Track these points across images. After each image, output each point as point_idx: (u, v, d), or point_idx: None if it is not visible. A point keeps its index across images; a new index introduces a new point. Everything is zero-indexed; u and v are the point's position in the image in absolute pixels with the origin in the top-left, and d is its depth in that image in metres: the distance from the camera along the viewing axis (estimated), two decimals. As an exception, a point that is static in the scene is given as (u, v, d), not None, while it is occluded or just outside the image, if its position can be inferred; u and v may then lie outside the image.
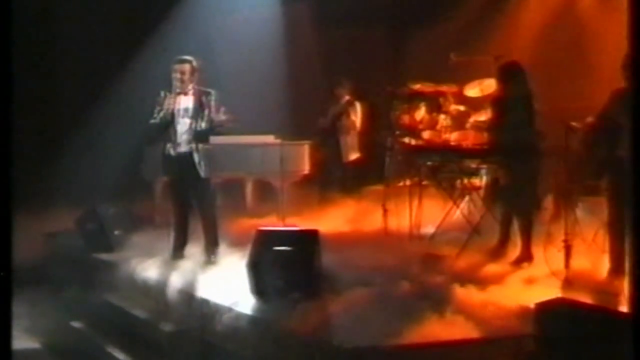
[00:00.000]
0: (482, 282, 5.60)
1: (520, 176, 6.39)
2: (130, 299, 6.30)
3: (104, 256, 7.24)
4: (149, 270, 6.52)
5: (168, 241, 6.81)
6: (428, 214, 7.43)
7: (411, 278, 5.74)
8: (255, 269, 5.40)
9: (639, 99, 2.83)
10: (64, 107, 10.01)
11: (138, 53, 9.65)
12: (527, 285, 5.62)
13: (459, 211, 7.42)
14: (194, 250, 6.81)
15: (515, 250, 6.53)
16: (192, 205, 6.79)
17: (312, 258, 5.35)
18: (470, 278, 5.70)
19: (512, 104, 6.52)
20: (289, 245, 5.32)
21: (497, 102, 6.76)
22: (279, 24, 10.41)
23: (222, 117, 6.58)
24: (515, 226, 6.58)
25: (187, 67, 6.54)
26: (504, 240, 6.67)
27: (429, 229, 7.33)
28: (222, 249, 6.81)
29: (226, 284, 5.79)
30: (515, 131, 6.46)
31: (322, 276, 5.45)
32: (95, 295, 6.65)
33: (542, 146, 6.36)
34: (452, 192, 7.49)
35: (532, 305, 4.37)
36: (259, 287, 5.41)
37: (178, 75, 6.49)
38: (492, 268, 6.17)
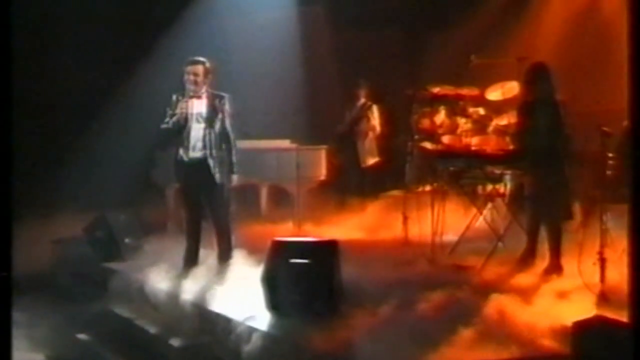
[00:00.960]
0: (510, 296, 5.22)
1: (549, 183, 6.02)
2: (139, 311, 6.01)
3: (113, 265, 6.95)
4: (160, 280, 6.19)
5: (180, 250, 6.50)
6: (449, 222, 7.13)
7: (435, 292, 5.35)
8: (271, 282, 5.06)
9: (639, 99, 2.77)
10: (72, 109, 9.74)
11: (149, 55, 9.40)
12: (559, 300, 5.26)
13: (482, 219, 7.12)
14: (207, 259, 6.47)
15: (543, 260, 6.16)
16: (205, 213, 6.47)
17: (331, 271, 4.98)
18: (497, 292, 5.32)
19: (539, 107, 6.17)
20: (306, 258, 4.96)
21: (524, 105, 6.42)
22: (294, 25, 10.17)
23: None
24: (543, 235, 6.23)
25: (200, 68, 6.25)
26: (531, 250, 6.32)
27: (450, 237, 7.03)
28: (237, 258, 6.43)
29: (240, 296, 5.47)
30: (542, 135, 6.12)
31: (342, 291, 5.06)
32: (103, 306, 6.39)
33: (572, 151, 5.97)
34: (474, 199, 7.21)
35: (566, 322, 4.10)
36: (275, 302, 5.07)
37: (191, 77, 6.20)
38: (520, 280, 5.81)
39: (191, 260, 6.40)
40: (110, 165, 9.31)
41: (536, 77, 6.17)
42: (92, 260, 7.10)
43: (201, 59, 6.28)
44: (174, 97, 6.28)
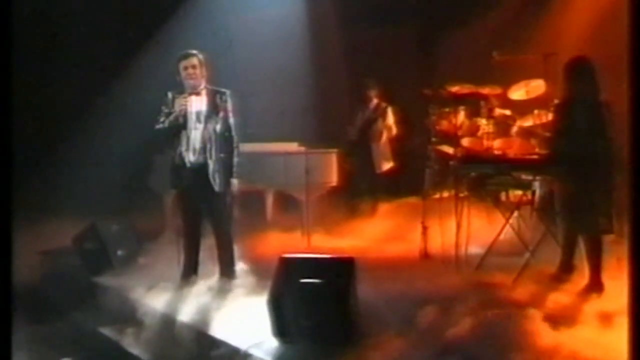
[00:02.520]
0: (547, 318, 4.68)
1: (588, 191, 5.40)
2: (131, 333, 5.44)
3: (104, 279, 6.42)
4: (154, 298, 5.70)
5: (178, 264, 6.03)
6: (472, 232, 6.58)
7: (462, 314, 4.79)
8: (278, 305, 4.49)
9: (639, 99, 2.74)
10: (61, 110, 9.27)
11: (146, 53, 9.00)
12: (602, 323, 4.68)
13: (510, 229, 6.49)
14: (207, 275, 5.99)
15: (581, 277, 5.55)
16: (205, 223, 6.00)
17: (346, 293, 4.39)
18: (532, 313, 4.76)
19: (579, 108, 5.55)
20: (319, 277, 4.41)
21: (562, 104, 5.82)
22: (303, 22, 9.70)
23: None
24: (580, 248, 5.64)
25: (195, 60, 5.78)
26: (567, 266, 5.75)
27: (474, 249, 6.48)
28: (240, 274, 6.03)
29: (243, 320, 4.95)
30: (581, 139, 5.50)
31: (358, 315, 4.48)
32: (90, 325, 5.85)
33: (617, 157, 5.35)
34: (500, 207, 6.68)
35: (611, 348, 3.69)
36: (282, 328, 4.51)
37: (189, 71, 5.73)
38: (556, 299, 5.23)
39: (189, 277, 5.90)
40: (103, 169, 8.86)
41: (576, 74, 5.56)
42: (81, 274, 6.61)
43: (194, 51, 5.82)
44: (170, 95, 5.80)
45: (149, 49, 8.95)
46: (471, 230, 6.50)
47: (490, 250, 6.15)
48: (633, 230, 2.80)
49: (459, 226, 6.35)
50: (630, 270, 2.83)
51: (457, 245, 6.28)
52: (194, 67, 5.73)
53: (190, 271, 5.92)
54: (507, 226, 6.38)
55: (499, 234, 6.23)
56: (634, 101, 2.78)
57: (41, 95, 8.99)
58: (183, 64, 5.75)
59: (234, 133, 5.82)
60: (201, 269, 5.97)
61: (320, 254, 6.50)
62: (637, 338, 2.80)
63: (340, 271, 4.45)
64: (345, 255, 4.74)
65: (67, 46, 9.27)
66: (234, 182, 5.84)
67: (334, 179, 8.00)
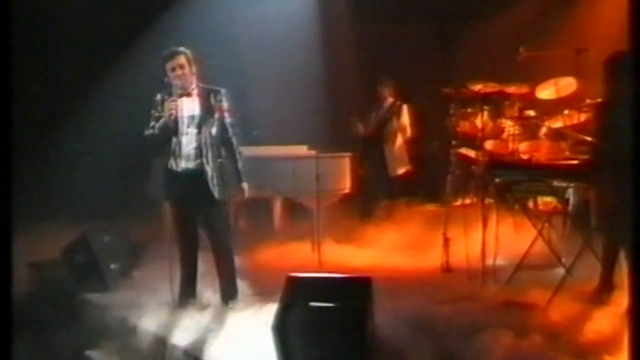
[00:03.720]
0: (589, 344, 4.35)
1: (633, 202, 4.88)
2: (121, 358, 5.03)
3: (95, 296, 5.98)
4: (148, 319, 5.26)
5: (173, 281, 5.59)
6: (492, 242, 6.07)
7: (492, 339, 4.37)
8: (284, 331, 4.02)
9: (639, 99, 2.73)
10: (53, 110, 8.91)
11: (144, 51, 8.50)
12: None
13: (540, 240, 6.04)
14: (206, 293, 5.57)
15: (623, 295, 5.01)
16: (204, 235, 5.56)
17: (362, 318, 3.93)
18: (572, 338, 4.44)
19: (622, 109, 5.03)
20: (331, 300, 3.96)
21: (601, 104, 5.43)
22: (312, 17, 9.41)
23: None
24: (621, 264, 5.17)
25: (182, 58, 5.37)
26: (608, 283, 5.29)
27: (501, 262, 6.06)
28: (243, 292, 5.59)
29: (245, 346, 4.52)
30: (623, 141, 4.95)
31: (375, 343, 4.03)
32: (78, 347, 5.38)
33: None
34: (529, 216, 6.22)
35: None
36: (289, 357, 4.04)
37: (177, 72, 5.33)
38: (598, 322, 4.74)
39: (187, 296, 5.48)
40: (97, 174, 8.51)
41: (619, 71, 5.10)
42: (70, 289, 6.19)
43: (180, 48, 5.42)
44: (159, 97, 5.41)
45: (145, 45, 8.58)
46: (499, 241, 6.07)
47: (521, 264, 5.74)
48: (633, 230, 2.82)
49: (486, 237, 5.93)
50: (630, 270, 2.81)
51: (483, 258, 5.84)
52: (181, 66, 5.35)
53: (188, 290, 5.51)
54: (540, 237, 5.93)
55: (530, 247, 5.80)
56: (634, 101, 2.79)
57: (32, 96, 8.54)
58: (170, 64, 5.36)
59: (231, 134, 5.45)
60: (199, 285, 5.57)
61: (332, 267, 6.45)
62: (637, 338, 2.75)
63: (355, 293, 4.01)
64: (361, 275, 4.29)
65: (60, 46, 9.10)
66: (244, 186, 5.49)
67: (346, 185, 7.66)
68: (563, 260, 5.76)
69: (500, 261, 6.03)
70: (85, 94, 8.76)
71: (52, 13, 9.06)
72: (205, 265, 5.57)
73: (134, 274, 6.37)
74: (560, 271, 5.60)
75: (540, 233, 5.90)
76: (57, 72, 8.98)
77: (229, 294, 5.41)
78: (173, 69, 5.32)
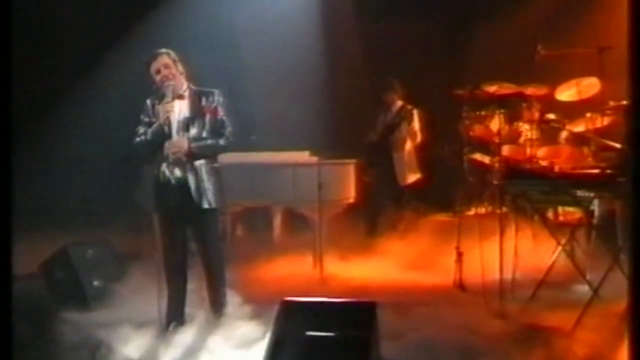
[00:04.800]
0: None
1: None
2: None
3: (76, 316, 5.64)
4: (133, 341, 4.97)
5: (163, 297, 5.26)
6: (511, 257, 5.83)
7: None
8: None
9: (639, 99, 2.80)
10: (36, 112, 8.65)
11: (134, 51, 8.04)
12: None
13: (556, 254, 5.80)
14: (196, 312, 5.24)
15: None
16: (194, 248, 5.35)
17: (365, 349, 3.57)
18: None
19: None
20: (331, 328, 3.65)
21: (627, 107, 5.27)
22: (315, 16, 9.29)
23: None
24: None
25: (166, 59, 5.18)
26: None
27: (520, 278, 5.80)
28: (235, 313, 5.24)
29: None
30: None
31: None
32: None
33: None
34: (550, 228, 6.00)
35: None
36: None
37: (163, 72, 5.14)
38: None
39: (174, 316, 5.20)
40: (81, 182, 8.37)
41: None
42: (48, 307, 5.86)
43: (162, 50, 5.22)
44: (148, 103, 5.23)
45: (135, 48, 8.15)
46: (518, 255, 5.84)
47: (543, 282, 5.46)
48: (633, 230, 2.84)
49: (502, 250, 5.62)
50: (630, 269, 2.85)
51: (500, 274, 5.53)
52: (166, 66, 5.16)
53: (176, 309, 5.22)
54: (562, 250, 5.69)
55: (553, 263, 5.53)
56: (634, 101, 2.77)
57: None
58: (154, 66, 5.17)
59: (222, 141, 5.18)
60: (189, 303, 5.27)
61: (334, 283, 6.28)
62: (637, 338, 2.80)
63: (357, 320, 3.68)
64: (364, 300, 3.97)
65: (41, 54, 8.89)
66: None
67: (351, 194, 7.41)
68: (588, 277, 5.46)
69: (519, 278, 5.74)
70: (71, 99, 8.63)
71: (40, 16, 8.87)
72: (192, 282, 5.29)
73: (121, 291, 5.99)
74: (585, 289, 5.31)
75: (563, 247, 5.62)
76: (43, 78, 8.85)
77: (218, 312, 5.14)
78: (158, 71, 5.12)
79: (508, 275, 5.59)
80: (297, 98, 8.85)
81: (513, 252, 5.74)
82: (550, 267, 5.49)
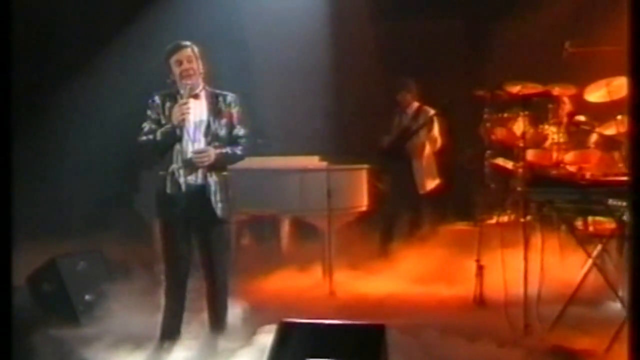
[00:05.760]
0: None
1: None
2: None
3: (64, 332, 5.46)
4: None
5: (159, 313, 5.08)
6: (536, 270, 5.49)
7: None
8: None
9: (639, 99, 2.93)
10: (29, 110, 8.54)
11: (135, 47, 8.38)
12: None
13: (586, 268, 5.51)
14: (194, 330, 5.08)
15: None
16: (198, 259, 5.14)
17: None
18: None
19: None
20: (334, 354, 3.36)
21: None
22: (326, 13, 9.13)
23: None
24: None
25: (189, 52, 4.99)
26: None
27: (546, 294, 5.39)
28: (238, 323, 5.12)
29: None
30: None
31: None
32: None
33: None
34: (578, 238, 5.79)
35: None
36: None
37: (185, 66, 4.93)
38: None
39: (170, 333, 4.99)
40: (74, 186, 8.22)
41: None
42: (35, 323, 5.60)
43: (186, 42, 5.03)
44: (156, 100, 5.01)
45: (138, 43, 8.37)
46: (544, 268, 5.45)
47: (572, 299, 5.18)
48: (633, 229, 2.90)
49: (527, 262, 5.34)
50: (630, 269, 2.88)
51: (525, 289, 5.24)
52: (189, 60, 4.97)
53: (173, 325, 5.02)
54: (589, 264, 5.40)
55: (583, 277, 5.25)
56: (634, 100, 2.86)
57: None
58: (176, 57, 4.97)
59: (239, 150, 5.05)
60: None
61: (345, 297, 6.12)
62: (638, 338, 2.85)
63: (365, 344, 3.40)
64: (373, 322, 3.69)
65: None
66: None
67: (363, 202, 7.30)
68: (620, 293, 5.13)
69: (545, 294, 5.34)
70: (67, 94, 8.55)
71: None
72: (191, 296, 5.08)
73: (113, 305, 5.73)
74: (617, 307, 5.04)
75: (593, 260, 5.33)
76: (42, 79, 8.83)
77: (218, 328, 4.97)
78: (179, 63, 4.93)
79: (533, 290, 5.26)
80: (306, 100, 8.80)
81: (539, 266, 5.39)
82: (580, 283, 5.25)
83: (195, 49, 5.02)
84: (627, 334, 2.93)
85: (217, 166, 4.93)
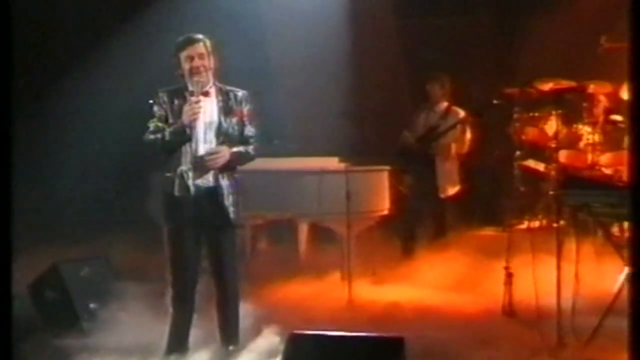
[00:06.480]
0: None
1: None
2: None
3: (69, 342, 5.37)
4: None
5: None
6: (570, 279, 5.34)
7: None
8: None
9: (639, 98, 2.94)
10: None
11: (144, 41, 8.26)
12: None
13: (624, 277, 5.23)
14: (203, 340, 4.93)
15: None
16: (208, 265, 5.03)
17: None
18: None
19: None
20: None
21: None
22: (344, 8, 8.98)
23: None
24: None
25: (201, 47, 4.85)
26: None
27: (580, 304, 5.19)
28: (251, 333, 4.97)
29: None
30: None
31: None
32: None
33: None
34: (614, 245, 5.58)
35: None
36: None
37: (196, 62, 4.80)
38: None
39: (179, 344, 4.87)
40: (81, 187, 8.11)
41: None
42: (37, 332, 5.58)
43: (199, 35, 4.89)
44: (161, 97, 4.89)
45: (144, 39, 8.31)
46: (578, 277, 5.29)
47: (610, 310, 4.92)
48: (633, 229, 2.95)
49: (560, 270, 5.15)
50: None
51: (558, 299, 5.06)
52: (201, 56, 4.84)
53: (180, 336, 4.89)
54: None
55: (621, 287, 4.98)
56: (633, 101, 2.91)
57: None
58: (187, 52, 4.84)
59: (251, 150, 4.95)
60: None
61: (364, 306, 5.94)
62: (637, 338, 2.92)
63: (381, 359, 3.23)
64: (391, 334, 3.55)
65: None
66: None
67: (384, 205, 7.18)
68: None
69: (580, 304, 5.13)
70: (70, 94, 8.53)
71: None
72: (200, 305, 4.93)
73: (119, 314, 5.64)
74: None
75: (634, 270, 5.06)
76: (42, 81, 8.82)
77: (229, 338, 4.85)
78: (190, 59, 4.79)
79: (567, 301, 5.08)
80: (325, 97, 8.67)
81: (573, 274, 5.21)
82: (618, 293, 4.99)
83: (208, 43, 4.89)
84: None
85: (230, 166, 4.80)
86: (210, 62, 4.87)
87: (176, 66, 4.85)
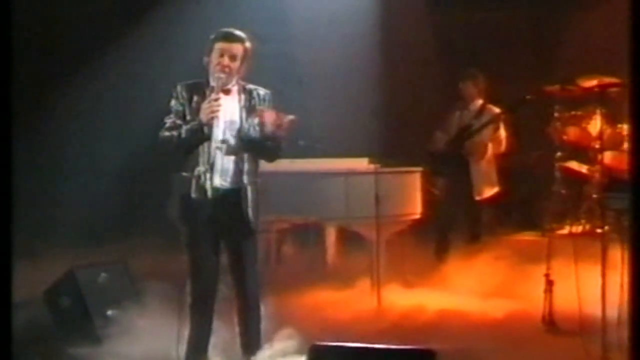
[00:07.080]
0: None
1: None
2: None
3: (84, 351, 5.31)
4: None
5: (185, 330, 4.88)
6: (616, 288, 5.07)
7: None
8: None
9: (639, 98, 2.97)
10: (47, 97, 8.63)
11: (168, 36, 8.35)
12: None
13: None
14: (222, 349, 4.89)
15: None
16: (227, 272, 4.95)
17: None
18: None
19: None
20: None
21: None
22: (376, 2, 8.95)
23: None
24: None
25: (239, 48, 4.74)
26: None
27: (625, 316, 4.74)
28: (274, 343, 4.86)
29: None
30: None
31: None
32: None
33: None
34: None
35: None
36: None
37: (225, 61, 4.69)
38: None
39: (197, 354, 4.80)
40: (96, 189, 8.11)
41: None
42: (52, 340, 5.58)
43: (241, 34, 4.79)
44: (183, 91, 4.77)
45: (173, 29, 8.37)
46: (624, 286, 4.92)
47: None
48: (633, 230, 2.99)
49: (604, 279, 4.99)
50: (630, 269, 3.00)
51: (603, 310, 4.88)
52: (233, 57, 4.73)
53: (199, 345, 4.82)
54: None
55: None
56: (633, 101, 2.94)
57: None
58: (221, 45, 4.74)
59: (274, 146, 4.85)
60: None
61: (394, 315, 5.82)
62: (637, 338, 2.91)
63: None
64: (422, 346, 3.32)
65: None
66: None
67: (416, 209, 7.05)
68: None
69: (626, 315, 4.93)
70: (81, 87, 8.53)
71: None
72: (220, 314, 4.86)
73: (138, 322, 5.53)
74: None
75: None
76: (45, 80, 8.82)
77: (251, 348, 4.77)
78: (221, 55, 4.67)
79: (612, 311, 4.88)
80: (353, 96, 8.65)
81: (618, 283, 4.90)
82: None
83: (248, 46, 4.77)
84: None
85: (246, 168, 4.71)
86: (240, 66, 4.78)
87: (207, 52, 4.75)
